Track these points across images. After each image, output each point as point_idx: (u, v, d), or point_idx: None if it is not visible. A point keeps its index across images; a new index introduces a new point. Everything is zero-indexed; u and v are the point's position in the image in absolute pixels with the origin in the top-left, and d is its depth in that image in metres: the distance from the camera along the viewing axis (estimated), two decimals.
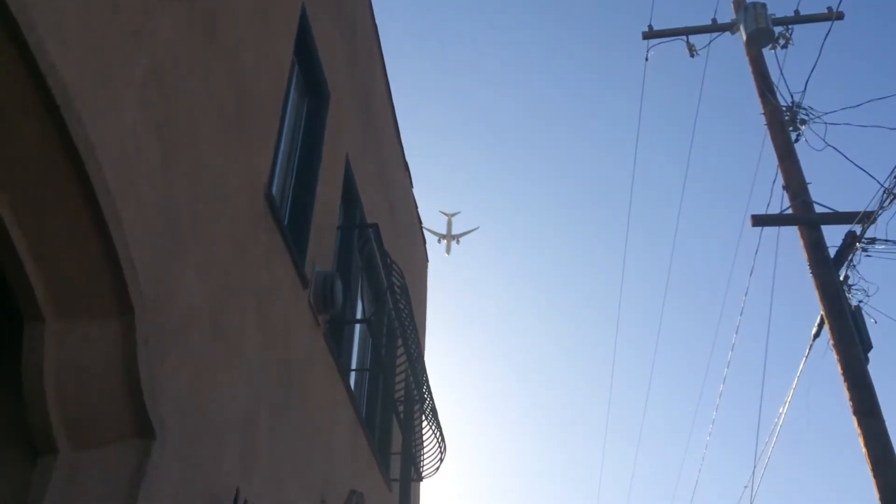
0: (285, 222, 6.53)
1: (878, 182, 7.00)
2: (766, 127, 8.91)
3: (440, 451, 11.26)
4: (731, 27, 9.97)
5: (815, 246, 7.77)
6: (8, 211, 3.17)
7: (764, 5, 9.49)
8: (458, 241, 57.73)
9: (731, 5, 10.04)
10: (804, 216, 7.94)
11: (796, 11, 9.57)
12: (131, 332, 3.56)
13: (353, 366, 9.10)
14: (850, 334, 7.15)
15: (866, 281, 7.48)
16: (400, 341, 10.87)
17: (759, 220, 8.00)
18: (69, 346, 3.49)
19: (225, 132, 4.83)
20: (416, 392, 11.46)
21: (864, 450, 6.61)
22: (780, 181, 8.38)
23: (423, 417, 11.02)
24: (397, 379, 11.02)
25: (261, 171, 5.52)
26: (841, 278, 7.55)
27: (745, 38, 9.43)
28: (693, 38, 10.11)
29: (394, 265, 9.05)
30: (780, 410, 8.37)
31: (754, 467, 8.94)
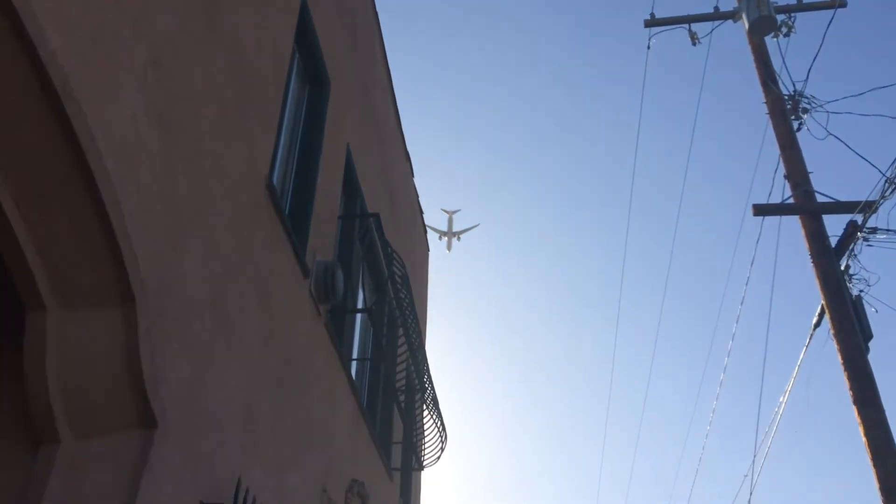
0: (286, 212, 6.52)
1: (880, 171, 6.97)
2: (767, 116, 8.87)
3: (441, 440, 11.29)
4: (733, 15, 9.92)
5: (816, 235, 7.76)
6: (9, 200, 3.16)
7: None
8: (458, 238, 57.59)
9: None
10: (805, 205, 7.93)
11: None
12: (133, 321, 3.57)
13: (355, 355, 9.11)
14: (850, 324, 7.15)
15: (867, 270, 7.48)
16: (401, 330, 10.88)
17: (761, 210, 7.99)
18: (71, 335, 3.49)
19: (225, 121, 4.82)
20: (416, 381, 11.48)
21: (864, 439, 6.62)
22: (782, 170, 8.35)
23: (424, 406, 11.04)
24: (398, 368, 11.04)
25: (262, 160, 5.51)
26: (842, 268, 7.54)
27: (747, 26, 9.38)
28: (695, 27, 10.07)
29: (394, 254, 9.04)
30: (781, 400, 8.38)
31: (754, 456, 8.96)
